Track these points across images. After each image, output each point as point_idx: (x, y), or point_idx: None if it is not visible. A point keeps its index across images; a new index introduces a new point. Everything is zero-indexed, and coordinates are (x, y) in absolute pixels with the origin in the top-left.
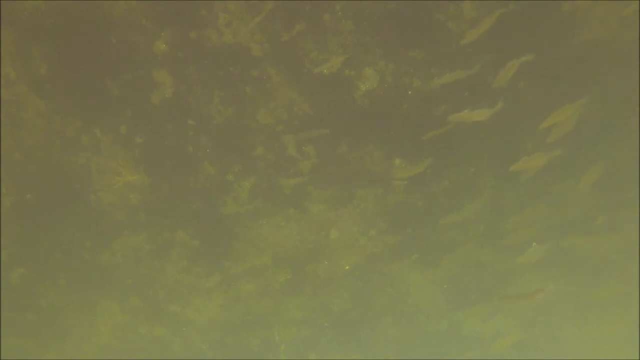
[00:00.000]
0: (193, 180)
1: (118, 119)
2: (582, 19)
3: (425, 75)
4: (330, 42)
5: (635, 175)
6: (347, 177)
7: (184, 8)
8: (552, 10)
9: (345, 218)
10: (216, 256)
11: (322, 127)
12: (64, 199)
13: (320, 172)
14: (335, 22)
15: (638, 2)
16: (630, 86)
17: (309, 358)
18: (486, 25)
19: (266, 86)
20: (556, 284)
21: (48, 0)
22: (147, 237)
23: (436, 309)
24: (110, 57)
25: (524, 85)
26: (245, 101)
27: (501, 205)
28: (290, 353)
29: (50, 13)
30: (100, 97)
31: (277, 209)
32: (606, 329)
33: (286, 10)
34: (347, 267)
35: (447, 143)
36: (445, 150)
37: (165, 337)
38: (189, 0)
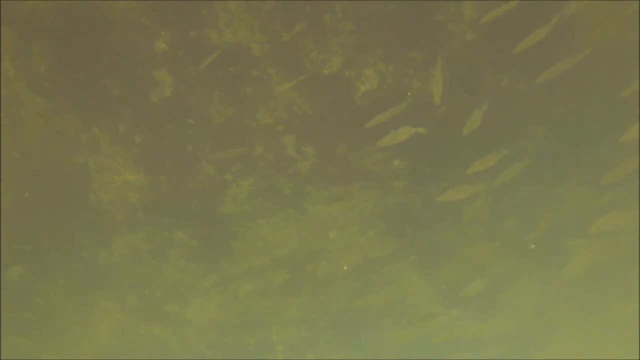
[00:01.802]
0: (192, 180)
1: (117, 118)
2: (582, 20)
3: (425, 77)
4: (330, 42)
5: (634, 177)
6: (347, 177)
7: (184, 7)
8: (552, 10)
9: (344, 219)
10: (215, 256)
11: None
12: (62, 197)
13: (320, 173)
14: (336, 22)
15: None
16: (630, 87)
17: (307, 358)
18: (439, 85)
19: (266, 86)
20: (555, 286)
21: None
22: (145, 237)
23: (434, 310)
24: (110, 56)
25: (523, 87)
26: (245, 101)
27: (500, 207)
28: (288, 353)
29: (50, 11)
30: (100, 96)
31: (276, 209)
32: (605, 330)
33: (286, 10)
34: (345, 268)
35: (446, 145)
36: (444, 151)
37: (163, 337)
38: (189, 0)
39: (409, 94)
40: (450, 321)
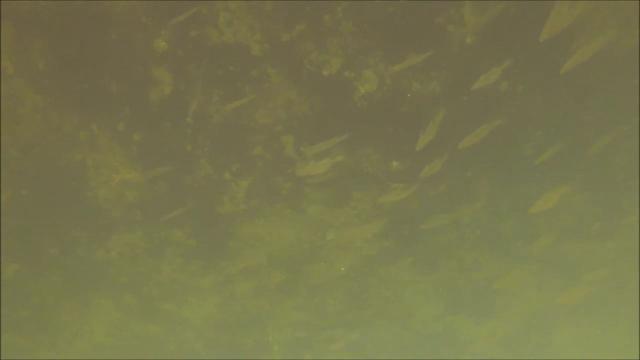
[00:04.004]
0: (190, 179)
1: (116, 116)
2: (580, 24)
3: (424, 78)
4: (331, 43)
5: (632, 181)
6: (345, 178)
7: (185, 6)
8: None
9: (341, 220)
10: (212, 255)
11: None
12: (60, 195)
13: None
14: (336, 23)
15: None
16: (629, 90)
17: (303, 358)
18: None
19: (265, 86)
20: (552, 289)
21: None
22: (142, 235)
23: (431, 311)
24: (109, 54)
25: (522, 89)
26: (244, 100)
27: (497, 210)
28: (284, 353)
29: (50, 8)
30: (99, 93)
31: (274, 209)
32: (604, 332)
33: (287, 11)
34: (342, 269)
35: (445, 146)
36: (442, 153)
37: (159, 336)
38: (190, 0)
39: (409, 95)
40: (446, 324)
